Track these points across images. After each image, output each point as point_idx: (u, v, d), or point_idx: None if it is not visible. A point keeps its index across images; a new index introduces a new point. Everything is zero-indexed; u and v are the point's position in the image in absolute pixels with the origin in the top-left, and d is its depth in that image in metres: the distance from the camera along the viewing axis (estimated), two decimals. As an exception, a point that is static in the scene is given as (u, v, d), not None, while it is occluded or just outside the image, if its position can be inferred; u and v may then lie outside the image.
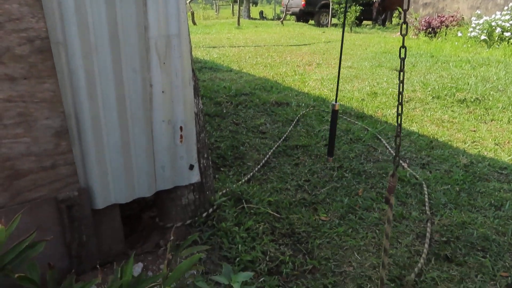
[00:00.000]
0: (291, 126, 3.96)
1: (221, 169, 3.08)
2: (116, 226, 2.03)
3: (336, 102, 2.47)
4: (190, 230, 2.19)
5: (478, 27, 9.81)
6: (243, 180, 2.83)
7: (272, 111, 4.51)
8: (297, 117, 4.22)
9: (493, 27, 9.50)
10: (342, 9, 18.33)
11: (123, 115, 1.77)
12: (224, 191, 2.55)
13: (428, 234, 2.23)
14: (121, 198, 1.91)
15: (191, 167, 2.09)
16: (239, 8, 20.92)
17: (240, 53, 9.10)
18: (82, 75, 1.64)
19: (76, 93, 1.67)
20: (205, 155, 2.24)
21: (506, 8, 9.86)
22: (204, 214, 2.24)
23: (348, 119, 4.25)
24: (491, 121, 4.32)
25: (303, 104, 4.70)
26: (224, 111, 4.51)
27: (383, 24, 18.79)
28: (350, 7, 17.15)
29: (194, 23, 18.71)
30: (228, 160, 3.25)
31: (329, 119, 4.24)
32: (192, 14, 19.16)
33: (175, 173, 2.04)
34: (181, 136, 1.99)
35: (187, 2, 20.80)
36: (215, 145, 3.53)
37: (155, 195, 2.08)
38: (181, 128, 1.98)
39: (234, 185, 2.70)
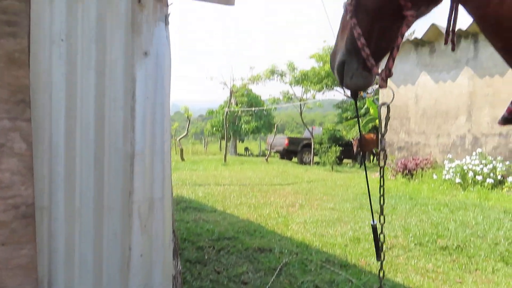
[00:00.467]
0: (274, 277, 3.83)
1: (198, 328, 2.85)
2: None
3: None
4: None
5: (451, 170, 10.42)
6: None
7: (254, 258, 4.41)
8: (279, 266, 4.12)
9: (465, 171, 10.11)
10: (323, 149, 19.52)
11: (99, 282, 1.72)
12: None
13: None
14: None
15: (165, 335, 1.94)
16: (226, 145, 22.13)
17: (225, 192, 9.29)
18: (61, 239, 1.65)
19: (53, 257, 1.64)
20: (181, 320, 2.11)
21: (474, 153, 10.66)
22: None
23: (332, 268, 4.16)
24: (476, 270, 4.26)
25: (286, 251, 4.63)
26: (206, 257, 4.39)
27: (360, 164, 19.75)
28: (330, 147, 18.33)
29: (183, 159, 19.49)
30: (207, 316, 3.04)
31: (312, 269, 4.15)
32: (181, 150, 20.10)
33: None
34: (157, 301, 1.91)
35: (178, 139, 22.03)
36: (194, 297, 3.34)
37: None
38: (157, 292, 1.91)
39: None
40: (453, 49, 1.32)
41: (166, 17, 2.07)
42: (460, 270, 4.26)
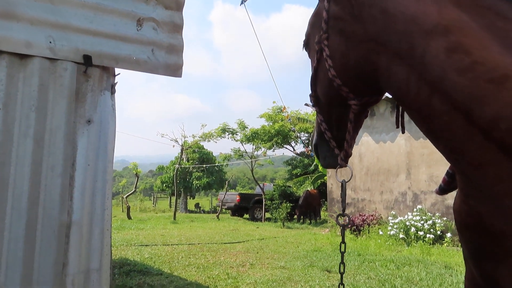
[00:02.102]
0: None
1: None
2: None
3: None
4: None
5: (395, 226, 10.81)
6: None
7: (201, 325, 4.19)
8: (227, 333, 3.93)
9: (408, 226, 10.53)
10: (274, 205, 19.56)
11: None
12: None
13: None
14: None
15: None
16: (176, 202, 21.57)
17: (173, 251, 8.92)
18: (-19, 321, 1.50)
19: None
20: None
21: (415, 209, 11.19)
22: None
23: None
24: (422, 329, 4.33)
25: (235, 316, 4.46)
26: (149, 326, 4.11)
27: (305, 221, 19.59)
28: (281, 203, 18.43)
29: (129, 218, 18.64)
30: None
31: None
32: (128, 208, 19.30)
33: None
34: None
35: (125, 197, 21.16)
36: None
37: None
38: None
39: None
40: (403, 132, 1.49)
41: (113, 86, 2.10)
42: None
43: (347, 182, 1.50)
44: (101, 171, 1.93)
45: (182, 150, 25.05)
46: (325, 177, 16.39)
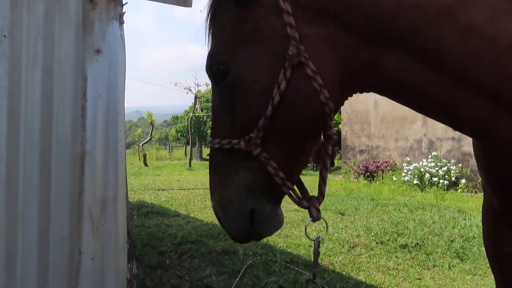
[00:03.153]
0: (237, 279, 3.79)
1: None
2: None
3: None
4: None
5: (409, 172, 10.79)
6: None
7: (218, 261, 4.35)
8: (243, 268, 4.08)
9: (423, 173, 10.50)
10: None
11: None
12: None
13: None
14: None
15: None
16: (191, 150, 21.88)
17: (189, 196, 9.15)
18: (1, 246, 1.54)
19: (-7, 265, 1.53)
20: (137, 326, 2.02)
21: (430, 156, 11.09)
22: None
23: (296, 268, 4.16)
24: (434, 267, 4.41)
25: (250, 253, 4.60)
26: (168, 262, 4.28)
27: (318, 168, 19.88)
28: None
29: (146, 165, 19.06)
30: (167, 322, 2.95)
31: (276, 269, 4.14)
32: (144, 156, 19.67)
33: None
34: (110, 307, 1.82)
35: (141, 145, 21.53)
36: (154, 304, 3.24)
37: None
38: (110, 298, 1.82)
39: None
40: None
41: (121, 16, 2.00)
42: (419, 267, 4.39)
43: (320, 240, 1.20)
44: (113, 102, 1.89)
45: (195, 99, 24.97)
46: (339, 125, 16.26)
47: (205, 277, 3.88)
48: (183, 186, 10.85)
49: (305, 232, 1.21)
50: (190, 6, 2.36)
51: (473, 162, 10.30)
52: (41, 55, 1.77)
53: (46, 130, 1.72)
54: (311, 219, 1.13)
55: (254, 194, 1.07)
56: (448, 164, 10.47)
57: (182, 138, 35.66)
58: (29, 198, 1.60)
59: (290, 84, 0.99)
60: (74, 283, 1.68)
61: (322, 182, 1.15)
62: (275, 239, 5.31)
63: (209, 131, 33.48)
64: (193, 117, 24.96)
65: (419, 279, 4.05)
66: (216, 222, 6.29)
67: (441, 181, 10.07)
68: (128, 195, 8.49)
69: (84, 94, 1.84)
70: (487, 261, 1.59)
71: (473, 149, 1.38)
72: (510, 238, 1.41)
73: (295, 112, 1.01)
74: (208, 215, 6.88)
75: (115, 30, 2.01)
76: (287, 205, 7.89)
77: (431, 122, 11.52)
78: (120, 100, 1.92)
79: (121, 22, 2.09)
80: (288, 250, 4.85)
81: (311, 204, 1.13)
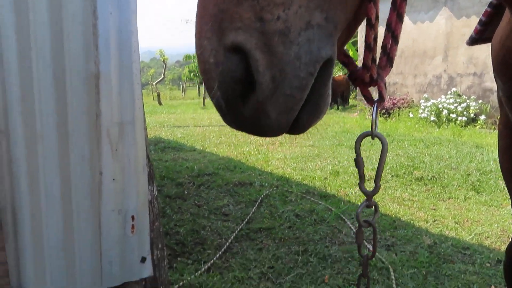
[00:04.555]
0: (255, 208, 3.87)
1: (179, 257, 2.88)
2: (53, 333, 1.78)
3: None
4: (140, 333, 1.95)
5: (427, 109, 10.56)
6: (203, 270, 2.64)
7: (235, 191, 4.43)
8: (260, 198, 4.15)
9: (440, 109, 10.26)
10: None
11: (68, 206, 1.64)
12: (181, 283, 2.35)
13: (398, 326, 2.10)
14: (60, 300, 1.69)
15: (143, 259, 1.92)
16: (205, 90, 21.71)
17: (205, 132, 9.20)
18: (23, 164, 1.54)
19: (16, 183, 1.54)
20: (159, 246, 2.08)
21: (449, 92, 10.77)
22: (157, 313, 2.02)
23: (312, 198, 4.22)
24: (449, 199, 4.42)
25: (267, 184, 4.67)
26: (186, 192, 4.38)
27: (333, 107, 19.49)
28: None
29: (160, 103, 19.09)
30: (188, 246, 3.06)
31: (292, 199, 4.20)
32: (158, 95, 19.64)
33: (125, 268, 1.86)
34: (133, 227, 1.85)
35: (154, 84, 21.42)
36: (174, 230, 3.35)
37: (101, 293, 1.87)
38: (132, 217, 1.85)
39: (192, 276, 2.50)
40: None
41: None
42: (434, 199, 4.41)
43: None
44: (125, 21, 1.78)
45: (207, 35, 24.26)
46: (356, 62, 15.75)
47: (223, 206, 3.98)
48: (198, 124, 10.89)
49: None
50: None
51: (493, 98, 9.98)
52: (45, -32, 1.65)
53: (57, 48, 1.64)
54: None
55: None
56: (467, 101, 10.18)
57: (195, 78, 35.23)
58: (46, 119, 1.57)
59: None
60: (96, 203, 1.70)
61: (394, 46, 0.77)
62: (291, 172, 5.36)
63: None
64: (206, 55, 24.45)
65: (434, 209, 4.07)
66: (232, 156, 6.37)
67: (459, 117, 9.85)
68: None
69: (94, 12, 1.73)
70: (503, 177, 1.56)
71: (494, 49, 1.26)
72: None
73: None
74: (224, 150, 6.94)
75: None
76: (302, 141, 7.89)
77: (452, 57, 11.03)
78: (133, 20, 1.81)
79: None
80: (304, 182, 4.90)
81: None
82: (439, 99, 10.66)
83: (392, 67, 0.78)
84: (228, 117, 0.66)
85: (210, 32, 0.63)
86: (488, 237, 3.34)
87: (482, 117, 9.80)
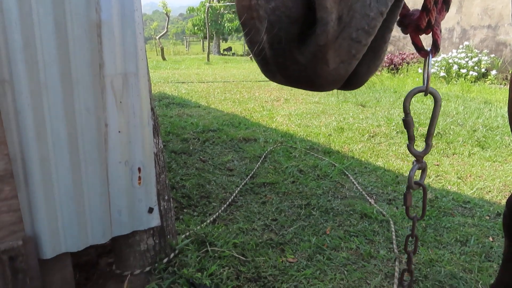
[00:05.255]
0: (259, 163, 3.91)
1: (185, 210, 2.96)
2: (68, 277, 1.87)
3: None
4: (149, 278, 2.05)
5: (436, 64, 10.34)
6: (208, 221, 2.72)
7: (239, 147, 4.46)
8: (264, 154, 4.19)
9: (451, 64, 10.04)
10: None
11: (75, 157, 1.67)
12: (187, 233, 2.43)
13: (396, 274, 2.18)
14: (72, 247, 1.76)
15: (151, 210, 1.97)
16: (209, 44, 21.30)
17: (209, 88, 9.13)
18: (29, 114, 1.54)
19: (23, 134, 1.56)
20: (166, 197, 2.13)
21: (461, 46, 10.48)
22: (165, 260, 2.11)
23: (316, 154, 4.25)
24: (453, 155, 4.43)
25: (271, 140, 4.69)
26: (191, 148, 4.42)
27: None
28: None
29: (164, 58, 18.82)
30: (194, 199, 3.14)
31: (296, 155, 4.24)
32: (162, 49, 19.31)
33: (133, 217, 1.92)
34: (140, 178, 1.89)
35: (157, 38, 20.99)
36: (180, 183, 3.42)
37: (111, 241, 1.95)
38: (139, 169, 1.88)
39: (198, 227, 2.58)
40: None
41: None
42: (438, 155, 4.42)
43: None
44: (125, -34, 1.72)
45: (211, -13, 23.44)
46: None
47: (228, 161, 4.02)
48: (202, 80, 10.79)
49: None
50: None
51: (507, 52, 9.72)
52: None
53: (57, -3, 1.60)
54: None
55: None
56: (479, 55, 9.92)
57: (199, 32, 34.47)
58: (49, 67, 1.56)
59: None
60: (103, 154, 1.73)
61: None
62: (295, 129, 5.36)
63: (227, 24, 32.13)
64: (210, 8, 23.74)
65: (437, 165, 4.10)
66: (237, 112, 6.36)
67: (470, 72, 9.64)
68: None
69: (93, -43, 1.66)
70: (510, 129, 1.55)
71: None
72: None
73: None
74: (229, 106, 6.92)
75: None
76: (307, 97, 7.83)
77: (466, 8, 10.63)
78: (133, -35, 1.74)
79: None
80: (308, 138, 4.92)
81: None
82: (449, 53, 10.40)
83: (448, 11, 0.68)
84: (275, 67, 0.55)
85: None
86: (489, 191, 3.38)
87: (493, 72, 9.59)
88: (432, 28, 0.67)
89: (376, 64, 0.59)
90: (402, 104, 0.83)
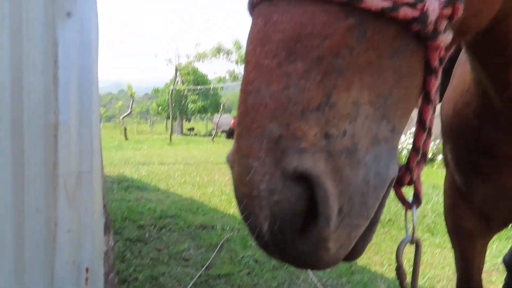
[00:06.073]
0: (215, 253, 3.84)
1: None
2: None
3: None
4: None
5: (387, 150, 10.97)
6: (159, 319, 2.58)
7: (196, 234, 4.40)
8: (221, 242, 4.14)
9: (400, 150, 10.72)
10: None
11: (20, 260, 1.60)
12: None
13: None
14: None
15: (96, 312, 1.87)
16: (172, 124, 21.67)
17: (170, 170, 9.13)
18: (-27, 216, 1.51)
19: (-36, 235, 1.50)
20: (113, 297, 2.04)
21: (408, 132, 11.30)
22: None
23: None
24: (406, 241, 4.56)
25: (228, 227, 4.66)
26: (147, 235, 4.30)
27: None
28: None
29: (126, 138, 18.81)
30: (145, 293, 2.99)
31: (253, 244, 4.21)
32: (125, 129, 19.39)
33: (75, 322, 1.81)
34: (87, 279, 1.82)
35: (121, 117, 21.17)
36: (133, 276, 3.27)
37: None
38: (87, 269, 1.82)
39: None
40: None
41: (93, -23, 1.91)
42: (391, 242, 4.54)
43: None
44: (86, 70, 1.83)
45: (176, 71, 24.55)
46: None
47: (184, 250, 3.93)
48: (163, 161, 10.80)
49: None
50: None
51: (448, 140, 10.52)
52: (8, 16, 1.67)
53: (16, 97, 1.66)
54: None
55: None
56: (425, 142, 10.67)
57: (163, 111, 35.18)
58: (2, 168, 1.56)
59: None
60: (51, 254, 1.67)
61: None
62: (254, 213, 5.38)
63: (190, 106, 33.12)
64: (174, 90, 24.59)
65: (390, 253, 4.19)
66: (196, 197, 6.34)
67: (417, 158, 10.27)
68: (109, 169, 8.41)
69: (55, 62, 1.77)
70: (448, 234, 1.68)
71: (451, 113, 1.32)
72: (468, 214, 1.49)
73: None
74: (188, 190, 6.91)
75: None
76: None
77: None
78: (94, 70, 1.86)
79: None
80: (267, 224, 4.93)
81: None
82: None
83: (425, 163, 0.73)
84: (276, 253, 0.56)
85: (264, 150, 0.50)
86: (439, 280, 3.46)
87: (439, 157, 10.28)
88: (413, 182, 0.72)
89: (371, 234, 0.62)
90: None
